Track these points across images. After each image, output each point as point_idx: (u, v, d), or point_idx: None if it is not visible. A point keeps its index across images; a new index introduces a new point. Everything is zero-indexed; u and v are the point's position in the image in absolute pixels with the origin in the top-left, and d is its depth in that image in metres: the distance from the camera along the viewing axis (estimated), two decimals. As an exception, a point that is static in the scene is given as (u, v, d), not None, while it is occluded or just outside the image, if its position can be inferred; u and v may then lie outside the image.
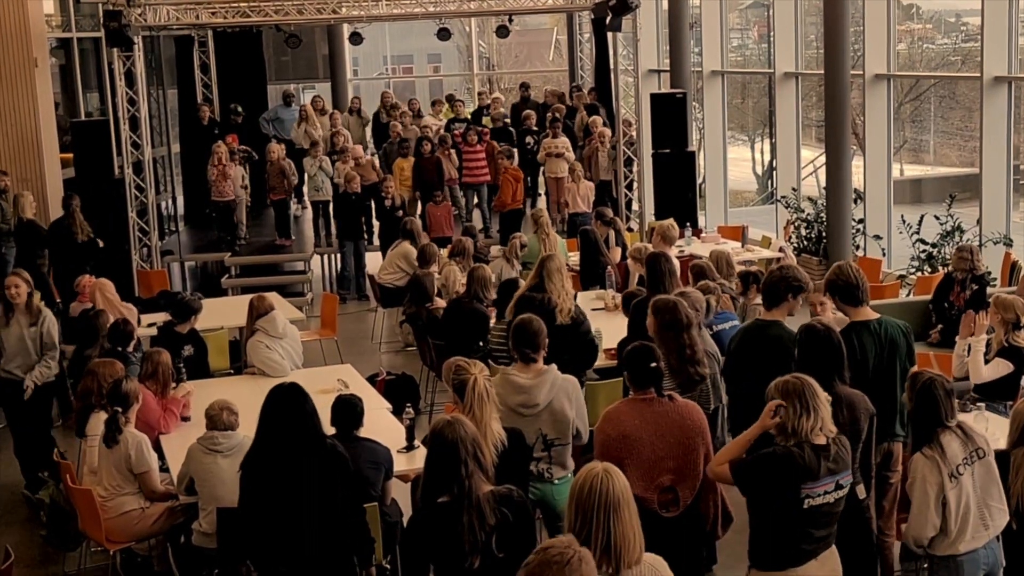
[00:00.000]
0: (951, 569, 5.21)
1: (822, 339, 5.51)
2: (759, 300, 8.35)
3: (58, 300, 12.11)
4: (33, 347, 8.41)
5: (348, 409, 6.33)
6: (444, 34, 18.35)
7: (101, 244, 13.00)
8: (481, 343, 8.69)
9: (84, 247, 12.63)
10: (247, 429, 5.95)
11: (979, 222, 12.70)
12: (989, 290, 9.71)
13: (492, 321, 9.05)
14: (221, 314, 10.72)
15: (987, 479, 5.26)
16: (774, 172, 18.27)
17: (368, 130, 18.46)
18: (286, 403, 5.50)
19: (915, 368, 5.98)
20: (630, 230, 14.86)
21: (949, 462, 5.14)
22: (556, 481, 6.07)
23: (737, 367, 6.31)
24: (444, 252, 12.10)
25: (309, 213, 17.10)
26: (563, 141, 16.16)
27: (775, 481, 4.78)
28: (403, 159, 16.02)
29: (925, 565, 5.44)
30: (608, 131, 16.38)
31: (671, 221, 11.72)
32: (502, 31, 19.49)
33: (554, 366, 6.11)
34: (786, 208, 15.78)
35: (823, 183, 15.45)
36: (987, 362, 7.26)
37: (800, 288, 6.33)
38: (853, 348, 5.85)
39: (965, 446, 5.21)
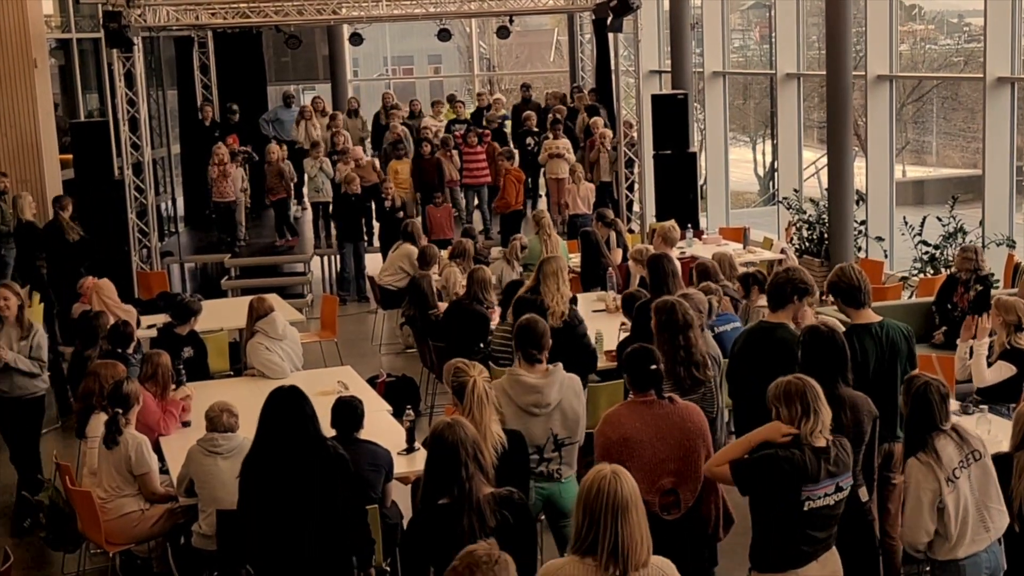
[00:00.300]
0: (954, 573, 5.18)
1: (826, 340, 5.48)
2: (761, 302, 8.35)
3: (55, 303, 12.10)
4: (23, 364, 8.14)
5: (348, 411, 6.31)
6: (444, 35, 18.33)
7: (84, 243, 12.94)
8: (481, 345, 8.67)
9: (76, 247, 12.54)
10: (247, 431, 5.93)
11: (982, 224, 12.68)
12: (992, 292, 9.67)
13: (493, 323, 9.04)
14: (221, 316, 10.71)
15: (984, 481, 5.23)
16: (775, 173, 18.25)
17: (367, 128, 18.42)
18: (286, 406, 5.49)
19: (914, 372, 5.96)
20: (631, 231, 14.84)
21: (945, 467, 5.11)
22: (564, 480, 6.05)
23: (741, 369, 6.27)
24: (444, 254, 12.09)
25: (309, 214, 17.09)
26: (564, 142, 16.15)
27: (775, 483, 4.77)
28: (397, 161, 15.98)
29: (927, 568, 5.41)
30: (609, 132, 16.36)
31: (672, 222, 11.71)
32: (503, 32, 19.46)
33: (559, 364, 6.10)
34: (788, 209, 15.76)
35: (825, 184, 15.43)
36: (990, 365, 7.23)
37: (806, 291, 6.29)
38: (854, 351, 5.82)
39: (960, 449, 5.19)
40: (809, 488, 4.75)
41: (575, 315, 8.06)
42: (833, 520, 4.89)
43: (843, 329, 5.87)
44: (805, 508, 4.75)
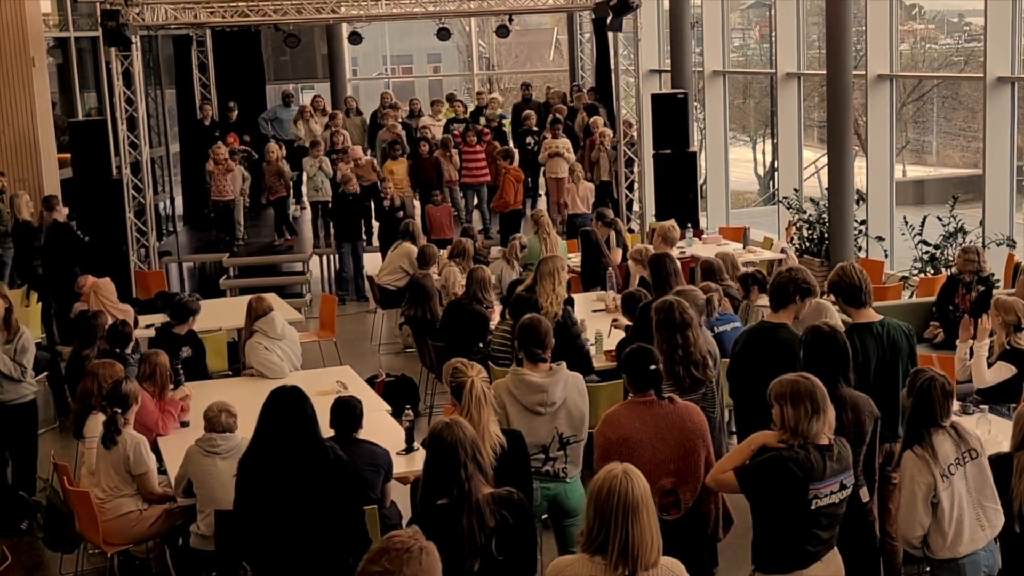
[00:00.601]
0: (953, 572, 5.18)
1: (828, 340, 5.47)
2: (761, 302, 8.32)
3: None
4: (4, 365, 8.03)
5: (347, 411, 6.29)
6: (444, 34, 18.31)
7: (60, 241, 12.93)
8: (481, 344, 8.65)
9: (46, 249, 12.50)
10: (246, 431, 5.91)
11: (982, 223, 12.67)
12: (994, 292, 9.65)
13: (493, 322, 9.02)
14: (219, 315, 10.69)
15: (980, 480, 5.23)
16: (776, 173, 18.23)
17: (367, 127, 18.39)
18: (286, 406, 5.47)
19: (921, 366, 5.93)
20: (631, 231, 14.82)
21: (940, 462, 5.12)
22: (569, 480, 6.03)
23: (742, 369, 6.24)
24: (444, 253, 12.06)
25: (308, 214, 17.06)
26: (564, 142, 16.12)
27: (783, 483, 4.74)
28: (393, 161, 15.93)
29: (927, 568, 5.39)
30: (609, 132, 16.34)
31: (672, 222, 11.68)
32: (502, 31, 19.45)
33: (563, 363, 6.08)
34: (788, 209, 15.74)
35: (825, 184, 15.41)
36: (990, 365, 7.21)
37: (808, 291, 6.27)
38: (855, 350, 5.81)
39: (957, 447, 5.19)
40: (816, 486, 4.73)
41: (569, 316, 8.02)
42: (836, 520, 4.88)
43: (842, 328, 5.86)
44: (812, 507, 4.74)
